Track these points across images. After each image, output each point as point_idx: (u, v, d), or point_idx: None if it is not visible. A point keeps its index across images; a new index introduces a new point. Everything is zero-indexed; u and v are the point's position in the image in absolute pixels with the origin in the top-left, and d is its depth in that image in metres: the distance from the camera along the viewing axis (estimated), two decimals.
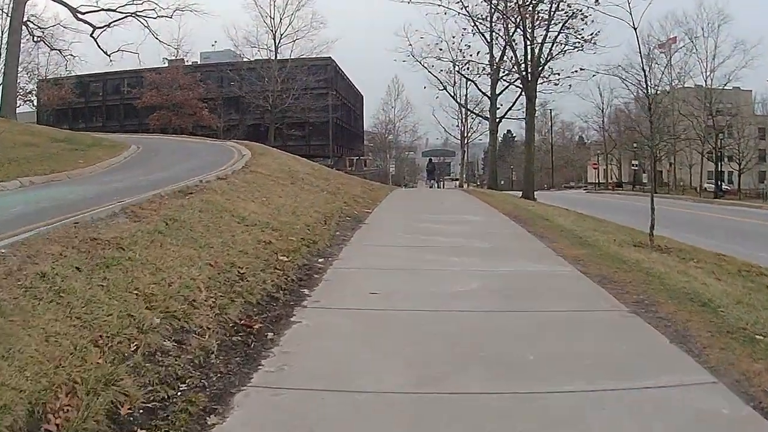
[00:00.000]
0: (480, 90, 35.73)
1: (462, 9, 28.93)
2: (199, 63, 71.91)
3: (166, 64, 59.59)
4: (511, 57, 26.97)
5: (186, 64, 63.05)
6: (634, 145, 68.44)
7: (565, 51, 24.67)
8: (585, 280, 7.62)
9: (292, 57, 55.94)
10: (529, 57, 24.35)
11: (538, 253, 9.71)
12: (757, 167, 70.22)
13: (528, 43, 24.48)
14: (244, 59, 58.78)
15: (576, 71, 25.28)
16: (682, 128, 63.28)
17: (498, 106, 34.60)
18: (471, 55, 29.06)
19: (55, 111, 68.48)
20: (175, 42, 54.96)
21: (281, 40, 54.03)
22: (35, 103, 64.99)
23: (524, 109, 28.18)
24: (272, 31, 53.73)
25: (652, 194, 12.17)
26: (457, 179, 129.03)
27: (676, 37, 63.24)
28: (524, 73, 24.57)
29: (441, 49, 32.69)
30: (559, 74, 25.25)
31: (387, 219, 14.46)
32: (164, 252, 6.97)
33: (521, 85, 26.59)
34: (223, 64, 63.91)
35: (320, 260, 8.64)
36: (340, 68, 79.76)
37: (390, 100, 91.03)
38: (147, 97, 58.12)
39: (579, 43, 24.28)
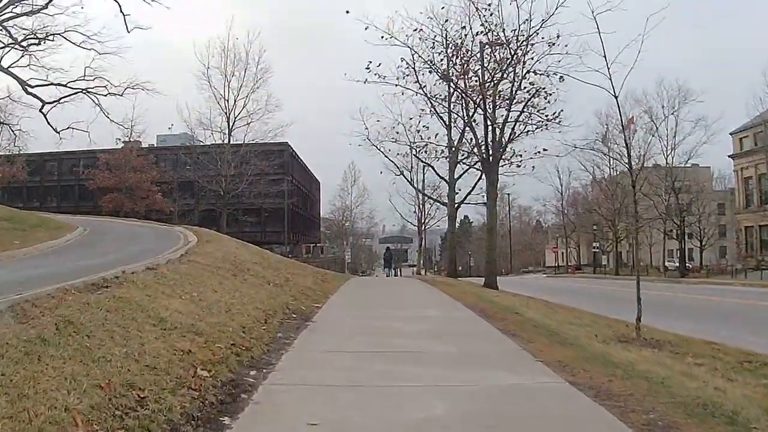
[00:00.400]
0: (438, 174, 35.13)
1: (419, 89, 28.38)
2: (155, 145, 70.82)
3: (120, 145, 57.84)
4: (471, 139, 26.33)
5: (141, 146, 61.39)
6: (594, 227, 68.68)
7: (528, 131, 24.03)
8: (578, 396, 6.12)
9: (246, 141, 54.56)
10: (489, 138, 23.57)
11: (513, 357, 8.21)
12: (718, 242, 70.77)
13: (489, 123, 23.73)
14: (198, 143, 57.30)
15: (539, 152, 24.64)
16: (643, 208, 63.33)
17: (456, 191, 33.86)
18: (428, 138, 28.37)
19: (10, 188, 66.37)
20: (128, 122, 53.76)
21: (235, 123, 52.85)
22: None
23: (484, 194, 27.36)
24: (226, 113, 52.54)
25: (638, 280, 10.99)
26: (413, 265, 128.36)
27: (633, 117, 64.15)
28: (485, 155, 23.74)
29: (398, 132, 32.06)
30: (521, 156, 24.54)
31: (338, 316, 12.82)
32: (40, 369, 5.30)
33: (481, 169, 25.74)
34: (177, 147, 62.64)
35: (252, 373, 6.98)
36: (296, 153, 79.36)
37: (346, 186, 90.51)
38: (99, 178, 56.44)
39: (542, 122, 23.67)
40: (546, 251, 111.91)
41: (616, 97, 10.29)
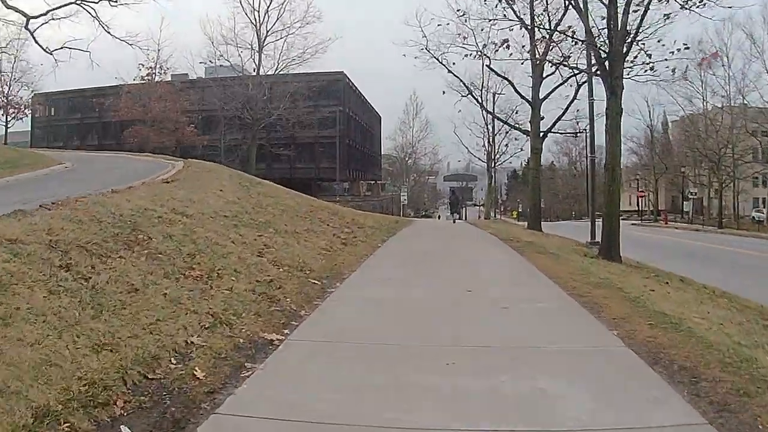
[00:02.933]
0: (517, 92, 25.49)
1: None
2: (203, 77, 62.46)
3: (144, 73, 49.53)
4: (569, 28, 16.66)
5: (169, 78, 52.77)
6: (683, 169, 57.20)
7: (667, 15, 14.39)
8: None
9: (282, 59, 44.90)
10: (613, 24, 13.89)
11: None
12: None
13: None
14: (227, 65, 47.98)
15: (680, 49, 15.07)
16: (740, 150, 51.67)
17: (541, 116, 24.59)
18: (503, 41, 18.60)
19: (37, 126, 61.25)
20: (154, 46, 45.78)
21: (267, 39, 43.25)
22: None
23: (589, 112, 18.24)
24: (256, 26, 43.08)
25: None
26: (478, 205, 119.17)
27: (717, 52, 51.32)
28: (603, 50, 14.11)
29: (465, 37, 22.78)
30: (650, 55, 14.88)
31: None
32: None
33: (596, 71, 16.15)
34: (206, 79, 53.01)
35: None
36: (353, 84, 70.08)
37: (408, 119, 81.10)
38: (123, 110, 48.38)
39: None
40: (621, 193, 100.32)
41: None
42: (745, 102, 51.04)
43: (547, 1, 22.40)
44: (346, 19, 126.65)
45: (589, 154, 18.80)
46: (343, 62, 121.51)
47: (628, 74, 14.39)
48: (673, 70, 16.11)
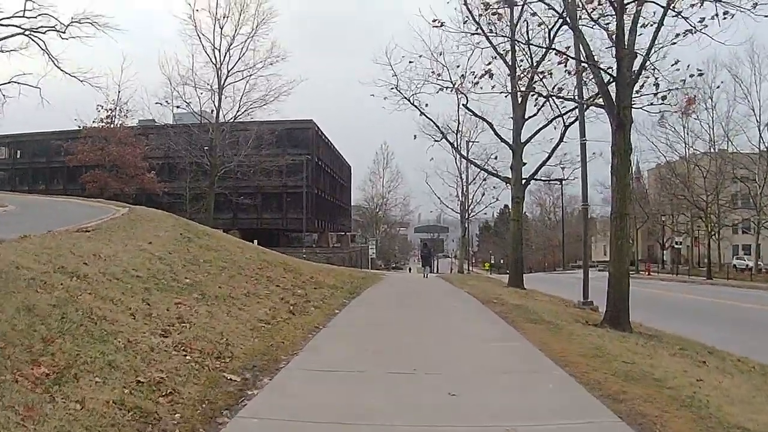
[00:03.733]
0: (497, 135, 22.95)
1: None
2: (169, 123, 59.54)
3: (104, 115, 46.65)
4: (567, 49, 14.37)
5: (130, 124, 49.78)
6: (663, 217, 55.55)
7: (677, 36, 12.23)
8: None
9: (243, 103, 42.08)
10: (620, 44, 11.60)
11: None
12: None
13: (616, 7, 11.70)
14: (183, 107, 44.26)
15: (693, 75, 12.89)
16: (723, 196, 49.45)
17: (523, 162, 22.44)
18: (485, 71, 16.26)
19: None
20: (113, 90, 43.24)
21: (227, 79, 40.39)
22: None
23: (581, 153, 16.08)
24: (215, 65, 40.35)
25: None
26: (448, 256, 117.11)
27: (695, 96, 49.83)
28: (610, 74, 11.82)
29: (439, 74, 20.71)
30: (657, 84, 12.51)
31: None
32: None
33: (592, 102, 14.07)
34: (168, 125, 49.46)
35: None
36: (322, 132, 68.22)
37: (378, 169, 79.23)
38: (81, 154, 45.25)
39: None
40: (593, 245, 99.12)
41: None
42: (733, 145, 49.34)
43: (527, 30, 20.52)
44: (314, 66, 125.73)
45: (582, 203, 16.68)
46: (313, 112, 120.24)
47: (635, 105, 12.22)
48: (694, 98, 14.09)
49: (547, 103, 20.30)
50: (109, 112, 46.39)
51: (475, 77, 15.15)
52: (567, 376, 6.24)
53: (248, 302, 9.69)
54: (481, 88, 17.34)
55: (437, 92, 20.78)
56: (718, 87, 45.50)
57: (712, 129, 49.32)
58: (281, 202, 63.43)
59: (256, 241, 54.49)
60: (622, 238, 11.24)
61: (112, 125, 46.84)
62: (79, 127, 46.96)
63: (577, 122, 19.52)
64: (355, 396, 5.38)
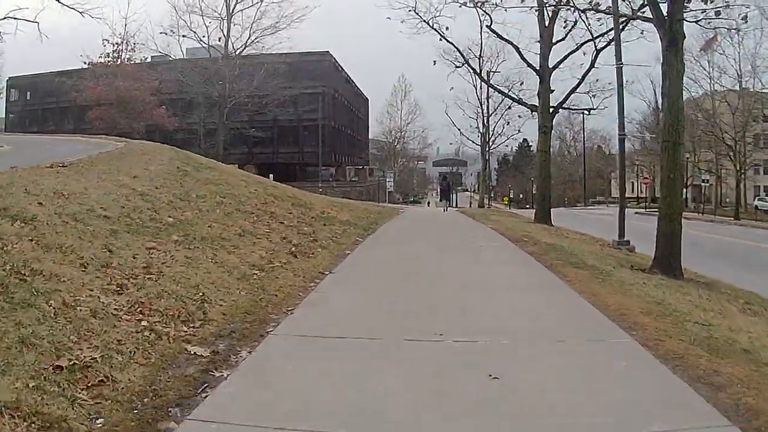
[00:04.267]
0: (524, 59, 20.92)
1: None
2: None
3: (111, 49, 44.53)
4: None
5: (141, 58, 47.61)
6: (687, 155, 52.71)
7: None
8: None
9: (254, 30, 39.55)
10: None
11: None
12: None
13: None
14: (191, 36, 42.15)
15: None
16: (750, 135, 46.90)
17: (551, 89, 20.40)
18: None
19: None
20: (119, 28, 41.22)
21: (236, 6, 37.83)
22: None
23: (617, 77, 14.01)
24: None
25: None
26: (468, 191, 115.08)
27: (716, 35, 46.00)
28: None
29: None
30: None
31: None
32: None
33: (643, 16, 12.04)
34: (176, 59, 46.66)
35: None
36: (339, 65, 65.53)
37: (396, 101, 76.44)
38: (88, 91, 43.36)
39: None
40: (612, 181, 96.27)
41: None
42: (761, 83, 46.12)
43: None
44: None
45: (618, 132, 14.81)
46: (329, 44, 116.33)
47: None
48: (745, 17, 12.18)
49: (577, 25, 18.24)
50: (116, 46, 44.30)
51: None
52: (638, 346, 4.72)
53: (241, 243, 8.22)
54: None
55: (460, 6, 18.56)
56: (744, 20, 42.08)
57: (739, 65, 46.22)
58: (297, 135, 61.71)
59: (272, 176, 53.54)
60: (675, 170, 9.51)
61: (119, 60, 44.86)
62: (86, 63, 45.07)
63: (610, 46, 17.59)
64: (361, 380, 3.90)
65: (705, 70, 48.04)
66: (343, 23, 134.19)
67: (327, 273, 7.67)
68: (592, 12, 13.35)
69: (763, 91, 45.06)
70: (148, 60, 47.97)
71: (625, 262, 10.06)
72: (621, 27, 15.02)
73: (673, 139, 9.45)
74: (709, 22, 11.23)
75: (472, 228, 16.88)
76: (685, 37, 9.78)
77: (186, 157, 16.28)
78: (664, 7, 9.70)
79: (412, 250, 10.68)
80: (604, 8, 13.03)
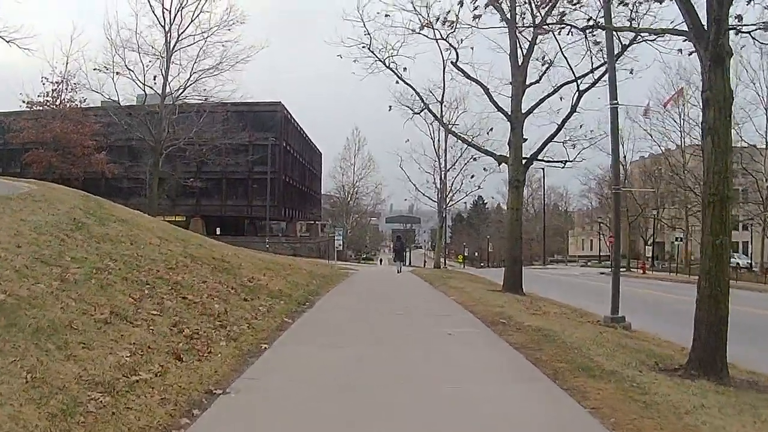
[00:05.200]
0: (494, 103, 18.41)
1: None
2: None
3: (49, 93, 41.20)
4: None
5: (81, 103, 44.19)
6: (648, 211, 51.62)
7: None
8: None
9: (195, 72, 36.81)
10: None
11: None
12: None
13: None
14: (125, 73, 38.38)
15: None
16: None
17: (524, 138, 18.11)
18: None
19: None
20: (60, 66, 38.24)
21: (175, 44, 35.03)
22: None
23: (611, 117, 11.75)
24: (163, 26, 35.07)
25: None
26: (420, 247, 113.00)
27: (682, 88, 45.63)
28: None
29: (424, 26, 16.64)
30: None
31: None
32: None
33: (676, 29, 9.51)
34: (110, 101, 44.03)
35: None
36: (291, 116, 63.47)
37: (349, 156, 74.20)
38: (24, 132, 39.99)
39: None
40: (570, 239, 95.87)
41: None
42: (739, 135, 44.93)
43: None
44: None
45: (613, 186, 12.48)
46: (282, 97, 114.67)
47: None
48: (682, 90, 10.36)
49: (554, 64, 16.38)
50: (56, 86, 41.06)
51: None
52: None
53: (101, 336, 5.48)
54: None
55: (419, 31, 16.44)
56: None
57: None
58: (247, 188, 58.87)
59: (218, 230, 50.36)
60: (724, 234, 6.99)
61: (58, 101, 41.64)
62: (24, 102, 41.70)
63: (595, 88, 15.73)
64: None
65: (676, 122, 47.58)
66: (296, 80, 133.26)
67: (218, 393, 4.95)
68: (591, 33, 11.16)
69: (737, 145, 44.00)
70: (92, 104, 44.72)
71: (644, 356, 7.53)
72: (615, 57, 13.02)
73: (720, 193, 6.94)
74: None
75: (432, 300, 14.27)
76: (731, 55, 7.40)
77: (97, 206, 13.47)
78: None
79: (353, 347, 7.81)
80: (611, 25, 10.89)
